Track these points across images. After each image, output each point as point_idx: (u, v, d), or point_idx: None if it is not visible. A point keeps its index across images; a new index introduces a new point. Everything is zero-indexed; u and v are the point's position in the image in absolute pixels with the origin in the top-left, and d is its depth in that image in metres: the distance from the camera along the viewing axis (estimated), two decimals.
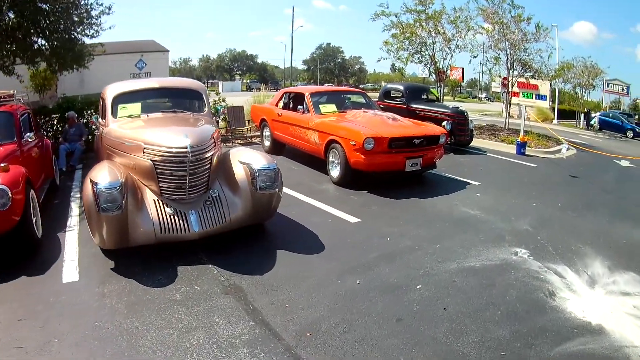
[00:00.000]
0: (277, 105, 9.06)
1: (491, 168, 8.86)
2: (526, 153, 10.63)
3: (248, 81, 61.32)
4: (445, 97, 18.79)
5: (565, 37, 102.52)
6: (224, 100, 11.73)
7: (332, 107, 7.67)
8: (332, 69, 73.24)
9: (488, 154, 10.55)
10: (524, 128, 11.64)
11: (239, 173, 4.24)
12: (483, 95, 60.22)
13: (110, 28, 10.20)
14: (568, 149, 9.19)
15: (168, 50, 43.23)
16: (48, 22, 8.74)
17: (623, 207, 6.58)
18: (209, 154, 4.16)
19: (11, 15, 8.43)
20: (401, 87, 11.67)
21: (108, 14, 9.73)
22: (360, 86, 64.78)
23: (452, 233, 4.95)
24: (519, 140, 10.71)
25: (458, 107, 10.74)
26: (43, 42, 9.27)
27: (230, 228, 4.15)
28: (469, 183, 7.22)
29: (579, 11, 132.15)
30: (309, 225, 4.94)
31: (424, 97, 11.57)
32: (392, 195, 6.25)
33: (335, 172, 6.75)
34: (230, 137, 11.05)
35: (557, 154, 10.97)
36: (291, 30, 41.55)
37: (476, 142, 11.64)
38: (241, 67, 74.77)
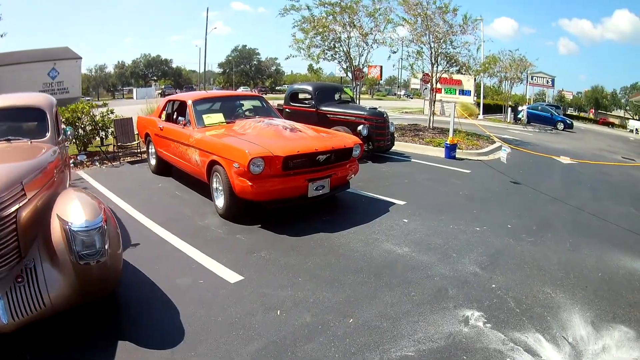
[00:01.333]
0: (160, 116, 7.12)
1: (418, 179, 7.50)
2: (456, 156, 9.65)
3: (163, 87, 57.82)
4: (363, 97, 17.82)
5: (487, 32, 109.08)
6: (111, 112, 9.81)
7: (218, 117, 5.88)
8: (247, 72, 71.34)
9: (413, 159, 9.33)
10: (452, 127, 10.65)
11: (56, 234, 2.84)
12: (402, 93, 61.41)
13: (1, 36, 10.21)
14: (504, 151, 8.19)
15: (81, 57, 39.44)
16: None
17: (583, 222, 5.51)
18: (9, 210, 2.76)
19: None
20: (309, 88, 10.01)
21: None
22: (277, 88, 63.57)
23: (373, 292, 3.40)
24: (447, 142, 9.68)
25: (376, 109, 9.32)
26: None
27: (55, 312, 2.78)
28: (393, 203, 5.74)
29: (500, 8, 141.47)
30: (170, 292, 3.37)
31: (337, 98, 10.05)
32: (292, 229, 4.61)
33: (220, 201, 5.00)
34: (120, 154, 9.22)
35: (491, 155, 10.17)
36: (205, 32, 38.45)
37: (399, 146, 10.44)
38: (156, 72, 70.87)
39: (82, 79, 63.59)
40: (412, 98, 48.72)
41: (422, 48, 13.07)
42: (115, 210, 5.21)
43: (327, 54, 13.02)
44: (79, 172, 7.90)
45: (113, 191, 6.28)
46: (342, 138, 5.31)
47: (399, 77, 68.77)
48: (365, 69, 13.73)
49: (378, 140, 8.87)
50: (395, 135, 10.76)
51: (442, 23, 12.40)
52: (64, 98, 33.20)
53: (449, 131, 10.25)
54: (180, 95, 6.97)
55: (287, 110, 9.92)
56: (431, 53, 12.95)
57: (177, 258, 4.05)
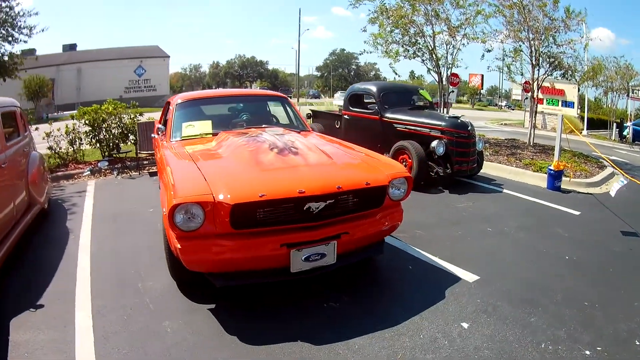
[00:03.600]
0: (160, 121, 5.72)
1: (508, 227, 4.94)
2: (561, 187, 6.86)
3: (258, 88, 59.05)
4: (462, 106, 15.17)
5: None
6: (141, 114, 8.80)
7: (204, 127, 4.19)
8: (346, 76, 69.59)
9: (505, 189, 6.72)
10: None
11: None
12: (503, 103, 56.19)
13: (42, 31, 9.98)
14: (621, 182, 5.48)
15: (168, 56, 41.51)
16: None
17: None
18: None
19: None
20: (372, 88, 7.71)
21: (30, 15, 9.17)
22: None
23: None
24: (551, 167, 6.89)
25: (458, 118, 6.82)
26: None
27: None
28: (457, 278, 3.50)
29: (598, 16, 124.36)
30: None
31: (411, 102, 7.70)
32: (262, 324, 2.77)
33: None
34: (146, 163, 8.26)
35: (603, 186, 7.19)
36: (298, 34, 37.66)
37: (489, 168, 7.87)
38: (251, 73, 72.11)
39: (177, 78, 68.54)
40: (513, 109, 43.90)
41: (520, 46, 10.41)
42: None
43: (408, 50, 10.75)
44: (89, 182, 6.97)
45: (95, 217, 5.16)
46: (368, 169, 3.21)
47: (500, 87, 62.87)
48: (450, 69, 11.15)
49: (459, 162, 6.45)
50: (486, 154, 8.20)
51: (542, 16, 9.74)
52: (151, 96, 34.75)
53: (552, 150, 7.61)
54: (178, 96, 5.36)
55: (345, 116, 7.94)
56: (531, 52, 10.16)
57: None
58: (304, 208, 2.67)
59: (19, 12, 8.79)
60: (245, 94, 5.69)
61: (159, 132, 4.43)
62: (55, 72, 34.97)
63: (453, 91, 11.51)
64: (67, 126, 7.79)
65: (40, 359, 2.49)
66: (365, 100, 7.88)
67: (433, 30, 10.55)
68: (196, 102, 4.71)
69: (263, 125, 4.31)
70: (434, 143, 6.23)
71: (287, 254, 2.70)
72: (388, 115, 7.07)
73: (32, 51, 39.96)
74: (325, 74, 69.75)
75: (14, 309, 3.04)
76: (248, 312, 2.96)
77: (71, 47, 40.44)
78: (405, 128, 6.81)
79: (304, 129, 4.64)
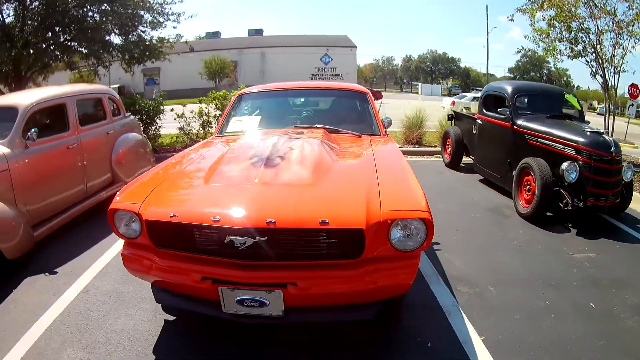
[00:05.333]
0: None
1: (617, 307, 2.98)
2: None
3: (449, 85, 56.16)
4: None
5: None
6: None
7: (251, 122, 3.82)
8: (537, 80, 59.94)
9: None
10: None
11: None
12: None
13: (191, 17, 10.25)
14: None
15: (355, 47, 42.57)
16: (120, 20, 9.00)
17: None
18: None
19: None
20: (507, 88, 5.94)
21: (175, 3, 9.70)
22: None
23: None
24: None
25: (601, 134, 4.68)
26: (115, 39, 9.63)
27: None
28: None
29: None
30: None
31: (553, 108, 5.74)
32: None
33: None
34: None
35: None
36: (486, 31, 32.88)
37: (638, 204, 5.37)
38: (442, 70, 69.08)
39: (370, 69, 70.50)
40: None
41: None
42: None
43: (573, 49, 8.41)
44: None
45: None
46: (353, 202, 2.20)
47: None
48: (616, 70, 8.14)
49: (595, 195, 4.51)
50: (636, 186, 5.64)
51: None
52: None
53: None
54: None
55: (478, 121, 6.57)
56: None
57: None
58: (225, 241, 2.07)
59: (165, 0, 9.61)
60: (315, 88, 4.97)
61: None
62: (238, 55, 38.95)
63: (632, 104, 8.47)
64: (200, 109, 8.54)
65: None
66: (497, 103, 6.26)
67: (597, 26, 7.91)
68: (257, 96, 4.40)
69: (316, 125, 3.69)
70: (565, 165, 4.48)
71: (214, 289, 2.16)
72: (520, 122, 5.41)
73: (216, 34, 45.83)
74: (517, 76, 61.48)
75: (40, 268, 3.41)
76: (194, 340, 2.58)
77: (257, 32, 44.14)
78: (537, 141, 5.09)
79: (375, 132, 3.81)
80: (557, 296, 3.11)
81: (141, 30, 9.70)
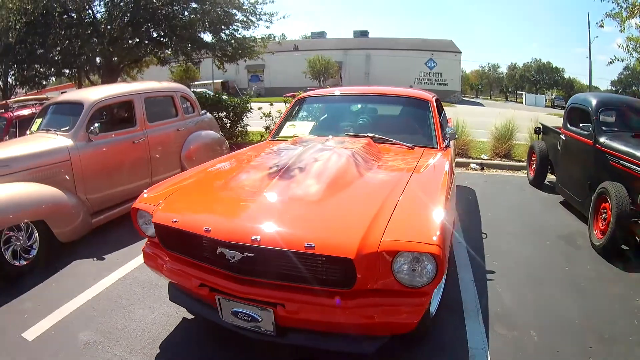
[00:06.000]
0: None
1: None
2: None
3: (553, 96, 52.16)
4: None
5: None
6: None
7: (304, 127, 3.81)
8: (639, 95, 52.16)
9: None
10: None
11: None
12: None
13: (283, 17, 10.52)
14: None
15: (460, 52, 40.85)
16: (210, 18, 9.29)
17: None
18: None
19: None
20: (592, 101, 5.14)
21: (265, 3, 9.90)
22: None
23: None
24: None
25: None
26: (206, 37, 10.04)
27: None
28: None
29: None
30: None
31: None
32: None
33: None
34: None
35: None
36: (588, 41, 28.44)
37: None
38: (547, 80, 65.20)
39: (476, 75, 67.68)
40: None
41: None
42: None
43: None
44: None
45: None
46: (352, 226, 2.00)
47: None
48: None
49: None
50: None
51: None
52: (442, 90, 34.33)
53: None
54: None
55: (562, 136, 5.86)
56: None
57: None
58: (217, 252, 2.03)
59: (257, 0, 9.75)
60: (375, 93, 4.63)
61: None
62: (344, 56, 39.36)
63: None
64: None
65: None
66: (581, 117, 5.42)
67: None
68: (315, 101, 4.38)
69: (368, 134, 3.49)
70: None
71: (212, 297, 2.15)
72: (603, 140, 4.63)
73: (321, 34, 46.45)
74: (619, 90, 54.23)
75: (90, 253, 3.71)
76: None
77: (362, 34, 44.38)
78: (618, 163, 4.31)
79: (431, 144, 3.51)
80: (605, 353, 2.60)
81: (234, 29, 9.94)
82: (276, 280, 2.02)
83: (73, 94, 4.78)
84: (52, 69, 10.09)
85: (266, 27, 10.20)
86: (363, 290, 1.91)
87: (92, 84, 9.57)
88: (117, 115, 4.65)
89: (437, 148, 3.40)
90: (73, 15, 8.94)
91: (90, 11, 9.24)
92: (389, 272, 1.87)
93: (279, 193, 2.29)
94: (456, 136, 4.02)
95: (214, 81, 30.76)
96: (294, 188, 2.34)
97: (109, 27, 8.75)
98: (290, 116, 4.11)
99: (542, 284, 3.46)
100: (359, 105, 4.27)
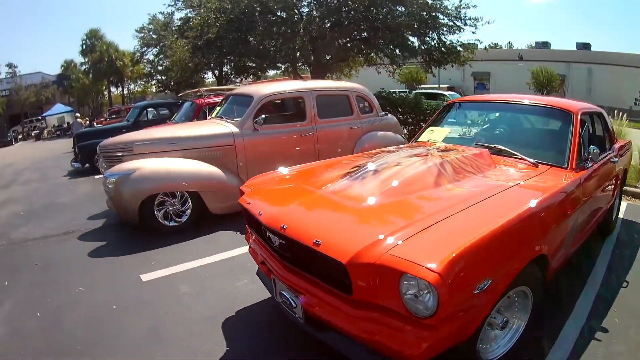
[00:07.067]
0: None
1: None
2: None
3: None
4: None
5: None
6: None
7: (439, 134, 3.50)
8: None
9: None
10: None
11: None
12: None
13: (488, 23, 10.30)
14: None
15: None
16: (416, 21, 9.52)
17: None
18: None
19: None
20: None
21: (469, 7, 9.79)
22: None
23: None
24: None
25: None
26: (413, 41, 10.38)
27: None
28: None
29: None
30: None
31: None
32: None
33: None
34: None
35: None
36: None
37: None
38: None
39: None
40: None
41: None
42: None
43: None
44: None
45: None
46: (368, 235, 1.83)
47: None
48: None
49: None
50: None
51: None
52: None
53: None
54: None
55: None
56: None
57: None
58: (267, 235, 2.22)
59: (461, 4, 9.19)
60: (515, 102, 3.60)
61: None
62: (566, 69, 34.92)
63: None
64: None
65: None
66: None
67: None
68: (459, 107, 3.94)
69: (494, 145, 2.96)
70: None
71: (270, 276, 2.29)
72: None
73: (545, 44, 40.80)
74: None
75: (236, 227, 4.14)
76: None
77: (584, 46, 38.75)
78: None
79: (560, 163, 2.73)
80: None
81: (441, 33, 9.88)
82: (302, 270, 2.05)
83: (248, 88, 5.47)
84: (266, 63, 11.15)
85: (472, 32, 9.68)
86: (370, 303, 1.77)
87: (301, 78, 10.58)
88: (287, 109, 5.08)
89: (566, 168, 2.67)
90: (281, 14, 9.96)
91: (296, 10, 10.01)
92: (396, 291, 1.66)
93: (337, 191, 2.31)
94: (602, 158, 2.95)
95: (440, 85, 31.08)
96: (352, 188, 2.31)
97: (308, 26, 9.32)
98: (434, 121, 3.86)
99: None
100: (497, 114, 3.81)
